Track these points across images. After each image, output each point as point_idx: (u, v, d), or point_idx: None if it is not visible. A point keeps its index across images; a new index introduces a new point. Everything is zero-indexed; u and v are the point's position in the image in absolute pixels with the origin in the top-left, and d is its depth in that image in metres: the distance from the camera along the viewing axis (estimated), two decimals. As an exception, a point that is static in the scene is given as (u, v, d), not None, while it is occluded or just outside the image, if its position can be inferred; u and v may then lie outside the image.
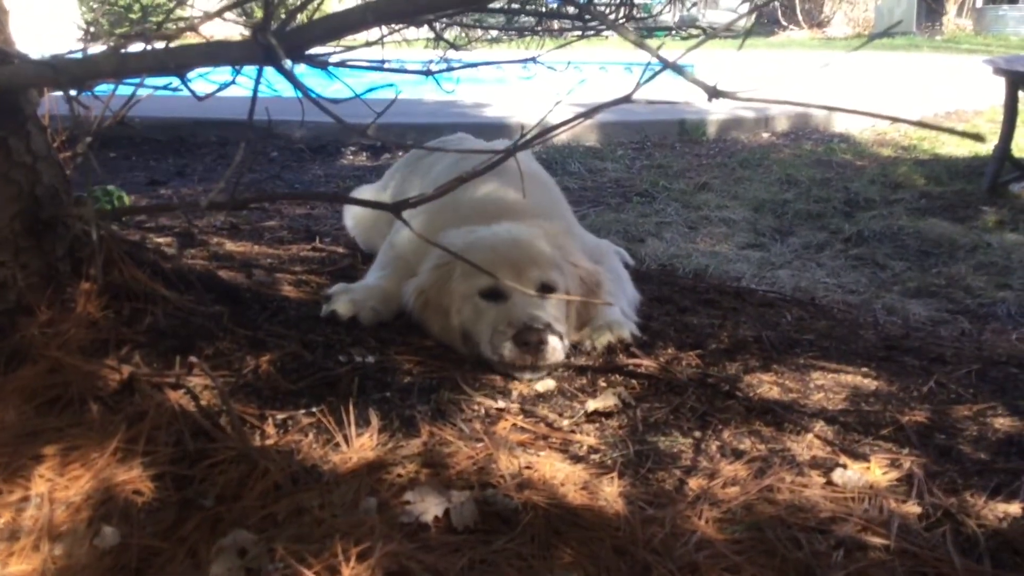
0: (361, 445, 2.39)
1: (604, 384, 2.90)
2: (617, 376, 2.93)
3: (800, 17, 27.50)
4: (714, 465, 2.44)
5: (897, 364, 3.20)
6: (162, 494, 2.20)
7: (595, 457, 2.45)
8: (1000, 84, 7.95)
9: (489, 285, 3.02)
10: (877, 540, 2.11)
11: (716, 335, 3.35)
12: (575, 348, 3.09)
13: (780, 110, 10.26)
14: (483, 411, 2.67)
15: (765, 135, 9.98)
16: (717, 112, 10.05)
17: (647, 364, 2.98)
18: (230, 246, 4.28)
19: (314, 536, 2.05)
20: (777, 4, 28.36)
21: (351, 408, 2.54)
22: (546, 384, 2.88)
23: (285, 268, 3.89)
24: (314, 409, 2.56)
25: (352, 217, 4.35)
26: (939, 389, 2.95)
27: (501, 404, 2.72)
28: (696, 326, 3.47)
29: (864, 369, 3.09)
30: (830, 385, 2.95)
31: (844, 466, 2.42)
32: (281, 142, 9.94)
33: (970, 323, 4.91)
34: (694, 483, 2.33)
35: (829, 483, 2.36)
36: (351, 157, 9.22)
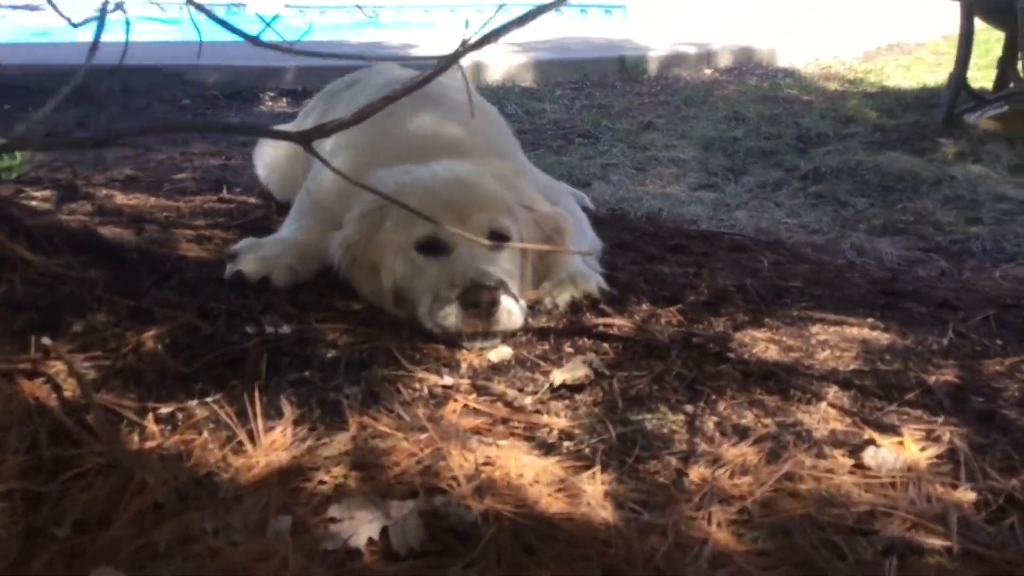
0: (271, 444, 1.87)
1: (571, 350, 2.41)
2: (586, 339, 2.44)
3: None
4: (715, 448, 1.97)
5: (902, 312, 2.77)
6: (5, 520, 1.66)
7: (569, 445, 1.96)
8: (949, 13, 7.61)
9: (427, 235, 2.51)
10: (934, 541, 1.66)
11: (693, 286, 2.88)
12: (533, 308, 2.58)
13: (722, 44, 9.80)
14: (426, 390, 2.16)
15: (708, 71, 9.52)
16: (658, 48, 9.57)
17: (620, 323, 2.49)
18: (121, 199, 3.67)
19: (207, 572, 1.53)
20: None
21: (258, 394, 2.01)
22: (501, 352, 2.37)
23: (185, 222, 3.31)
24: (210, 398, 2.02)
25: (264, 163, 3.76)
26: (959, 341, 2.52)
27: (448, 380, 2.21)
28: (668, 276, 2.99)
29: (869, 320, 2.65)
30: (835, 340, 2.50)
31: (873, 442, 1.97)
32: (193, 88, 9.19)
33: (946, 261, 4.55)
34: (695, 473, 1.86)
35: (859, 465, 1.91)
36: (270, 103, 8.53)
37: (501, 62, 8.68)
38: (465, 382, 2.22)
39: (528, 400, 2.16)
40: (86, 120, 8.03)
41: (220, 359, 2.19)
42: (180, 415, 1.96)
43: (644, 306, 2.64)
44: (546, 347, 2.43)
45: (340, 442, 1.87)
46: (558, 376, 2.23)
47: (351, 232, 2.63)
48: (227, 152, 6.27)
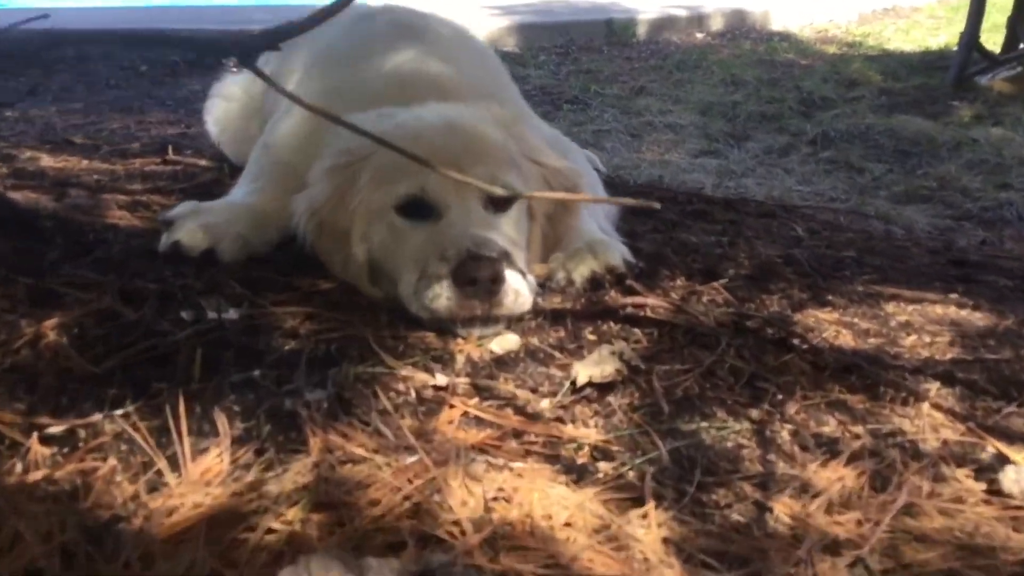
0: (202, 475, 1.36)
1: (593, 337, 1.91)
2: (612, 324, 1.95)
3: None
4: (799, 469, 1.48)
5: (987, 286, 2.30)
6: None
7: (607, 468, 1.47)
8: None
9: (411, 193, 2.01)
10: None
11: (730, 257, 2.39)
12: (543, 286, 2.08)
13: (715, 7, 9.30)
14: (413, 394, 1.66)
15: (699, 35, 9.02)
16: (647, 11, 9.04)
17: (654, 303, 1.99)
18: (47, 161, 3.13)
19: None
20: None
21: (187, 404, 1.50)
22: (506, 342, 1.88)
23: (118, 186, 2.78)
24: (122, 410, 1.50)
25: (215, 118, 3.22)
26: (1069, 321, 2.05)
27: (441, 379, 1.71)
28: (698, 245, 2.50)
29: (952, 296, 2.18)
30: (919, 322, 2.03)
31: (1005, 458, 1.50)
32: (151, 54, 8.59)
33: (983, 229, 4.12)
34: (781, 507, 1.38)
35: (993, 491, 1.43)
36: (234, 71, 7.93)
37: (482, 25, 8.13)
38: (463, 381, 1.72)
39: (545, 404, 1.66)
40: (37, 88, 7.46)
41: (143, 355, 1.67)
42: (81, 433, 1.45)
43: (679, 281, 2.14)
44: (562, 334, 1.93)
45: (297, 471, 1.36)
46: (581, 371, 1.74)
47: (317, 192, 2.11)
48: (186, 120, 5.71)
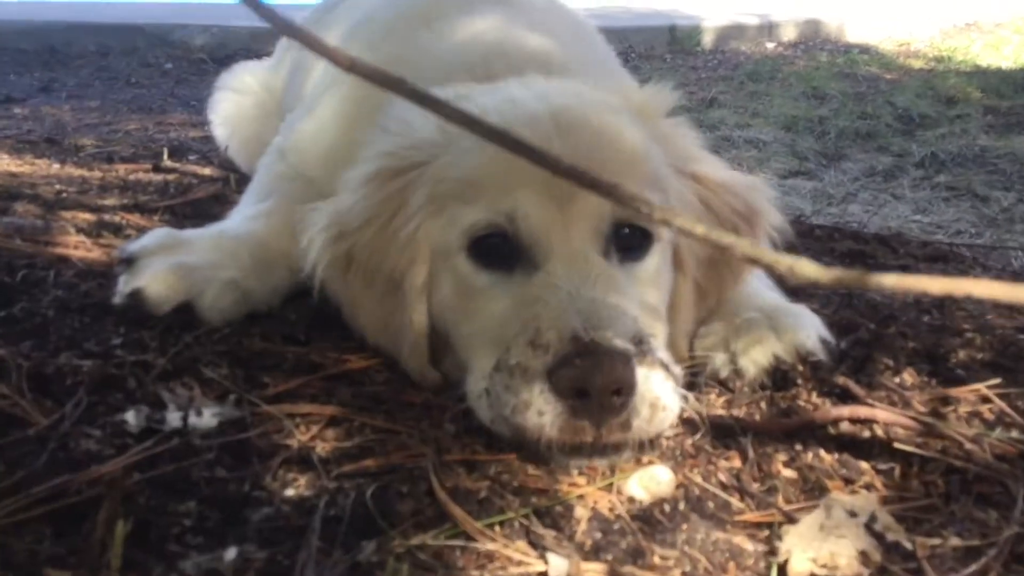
0: None
1: (791, 474, 1.16)
2: (820, 451, 1.19)
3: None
4: None
5: None
6: None
7: None
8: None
9: (490, 222, 1.30)
10: None
11: (951, 329, 1.62)
12: (695, 376, 1.32)
13: (786, 16, 8.55)
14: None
15: (770, 45, 8.26)
16: (712, 18, 8.30)
17: (888, 419, 1.23)
18: (6, 164, 2.42)
19: None
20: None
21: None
22: (653, 481, 1.13)
23: (85, 201, 2.06)
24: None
25: (223, 117, 2.51)
26: None
27: (558, 567, 0.96)
28: (892, 309, 1.74)
29: None
30: None
31: None
32: (178, 51, 8.01)
33: None
34: None
35: None
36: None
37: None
38: (596, 569, 0.97)
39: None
40: (52, 84, 6.87)
41: (37, 517, 0.94)
42: None
43: (907, 377, 1.38)
44: (738, 464, 1.18)
45: None
46: (797, 552, 0.99)
47: (348, 207, 1.39)
48: (209, 123, 5.05)
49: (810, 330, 1.37)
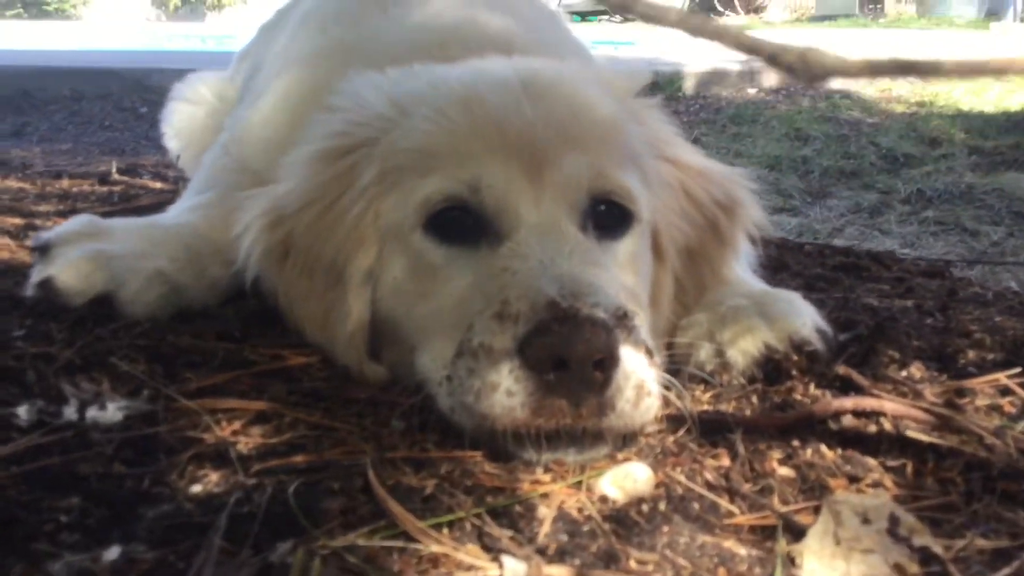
0: None
1: (789, 472, 1.00)
2: (822, 448, 1.03)
3: (736, 3, 26.26)
4: None
5: None
6: None
7: None
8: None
9: (452, 193, 1.15)
10: None
11: (957, 330, 1.47)
12: (675, 372, 1.16)
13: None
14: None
15: (751, 91, 8.23)
16: (694, 64, 8.29)
17: (896, 410, 1.07)
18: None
19: None
20: (712, -10, 27.54)
21: None
22: (628, 479, 0.97)
23: (17, 206, 1.91)
24: None
25: (176, 128, 2.37)
26: None
27: (514, 570, 0.79)
28: (892, 311, 1.59)
29: None
30: None
31: None
32: (153, 95, 7.91)
33: None
34: None
35: None
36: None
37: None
38: (561, 572, 0.81)
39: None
40: (24, 128, 6.77)
41: None
42: None
43: (915, 370, 1.23)
44: (726, 463, 1.03)
45: None
46: (809, 561, 0.83)
47: (287, 190, 1.24)
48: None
49: (805, 317, 1.22)
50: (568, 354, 0.96)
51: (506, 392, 0.96)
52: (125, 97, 7.59)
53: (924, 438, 1.00)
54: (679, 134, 1.39)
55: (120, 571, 0.73)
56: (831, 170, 5.52)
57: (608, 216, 1.17)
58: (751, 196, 1.37)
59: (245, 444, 0.98)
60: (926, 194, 4.95)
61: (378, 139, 1.19)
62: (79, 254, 1.27)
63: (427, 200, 1.13)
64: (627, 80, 1.36)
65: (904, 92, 8.62)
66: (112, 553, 0.75)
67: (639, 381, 1.00)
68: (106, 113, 7.32)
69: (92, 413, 0.98)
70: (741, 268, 1.41)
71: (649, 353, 1.04)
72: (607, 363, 0.97)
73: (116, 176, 2.35)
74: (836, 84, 8.72)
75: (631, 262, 1.19)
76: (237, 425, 1.02)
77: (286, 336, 1.28)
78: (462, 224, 1.13)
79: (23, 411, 0.99)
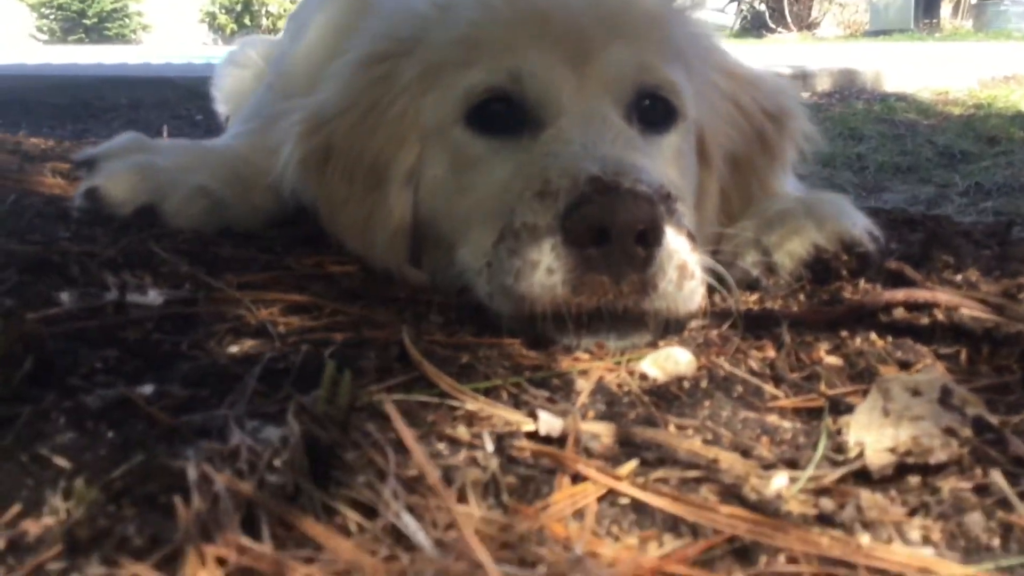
0: None
1: (837, 361, 0.97)
2: (873, 336, 1.00)
3: (789, 19, 26.08)
4: None
5: None
6: None
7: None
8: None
9: (494, 84, 1.13)
10: None
11: (1016, 256, 1.42)
12: (720, 280, 1.10)
13: (821, 66, 8.46)
14: (490, 447, 0.73)
15: (805, 94, 8.12)
16: (746, 67, 8.21)
17: (951, 301, 1.04)
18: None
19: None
20: (764, 7, 27.40)
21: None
22: (669, 360, 0.94)
23: (66, 156, 1.94)
24: None
25: (226, 92, 2.42)
26: None
27: (549, 423, 0.78)
28: (949, 237, 1.55)
29: None
30: None
31: None
32: (208, 103, 8.05)
33: None
34: None
35: None
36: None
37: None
38: (595, 429, 0.79)
39: (782, 485, 0.72)
40: (83, 135, 6.92)
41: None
42: None
43: (971, 274, 1.18)
44: (771, 354, 1.00)
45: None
46: (868, 442, 0.80)
47: (327, 96, 1.25)
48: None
49: (855, 218, 1.19)
50: (610, 222, 0.94)
51: (546, 270, 0.95)
52: (181, 105, 7.73)
53: (981, 321, 0.97)
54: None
55: (152, 403, 0.72)
56: (887, 165, 5.42)
57: (653, 110, 1.16)
58: (801, 107, 1.33)
59: (285, 325, 0.98)
60: (984, 186, 4.84)
61: (419, 38, 1.19)
62: (125, 165, 1.28)
63: (469, 92, 1.13)
64: None
65: (961, 95, 8.47)
66: (146, 389, 0.74)
67: (682, 262, 0.98)
68: (163, 120, 7.44)
69: (133, 297, 0.98)
70: (789, 182, 1.38)
71: (692, 239, 1.01)
72: (649, 237, 0.95)
73: (167, 136, 2.38)
74: (890, 88, 8.62)
75: (676, 158, 1.17)
76: (276, 310, 1.01)
77: (328, 252, 1.28)
78: (504, 116, 1.12)
79: (65, 297, 0.99)
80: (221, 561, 0.53)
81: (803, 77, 8.22)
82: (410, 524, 0.59)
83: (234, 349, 0.87)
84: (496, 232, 1.02)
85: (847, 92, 8.26)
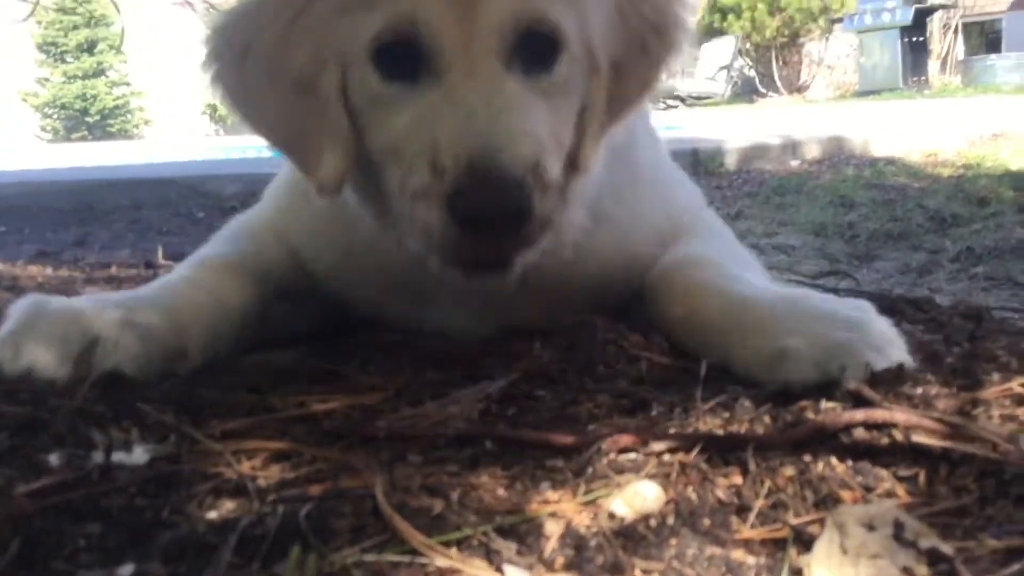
0: None
1: (795, 485, 1.00)
2: (832, 460, 1.03)
3: (779, 83, 26.52)
4: None
5: None
6: None
7: None
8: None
9: (389, 28, 1.28)
10: None
11: (985, 355, 1.46)
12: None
13: (809, 135, 8.59)
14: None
15: (794, 163, 8.26)
16: (735, 140, 8.36)
17: (908, 421, 1.07)
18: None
19: None
20: (754, 73, 27.89)
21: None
22: (637, 497, 0.98)
23: (64, 291, 2.00)
24: None
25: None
26: None
27: (513, 574, 0.81)
28: (918, 339, 1.59)
29: None
30: None
31: None
32: (209, 201, 8.21)
33: None
34: None
35: None
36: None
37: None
38: (561, 581, 0.82)
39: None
40: (86, 238, 7.02)
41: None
42: None
43: (933, 389, 1.22)
44: (738, 480, 1.03)
45: None
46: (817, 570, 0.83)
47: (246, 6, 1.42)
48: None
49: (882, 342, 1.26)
50: (484, 213, 1.19)
51: (436, 232, 1.22)
52: (182, 203, 7.86)
53: (936, 444, 1.00)
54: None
55: (132, 584, 0.76)
56: (878, 233, 5.50)
57: (537, 47, 1.29)
58: (686, 19, 1.45)
59: (265, 478, 1.01)
60: (975, 251, 4.90)
61: None
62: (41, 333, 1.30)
63: (376, 35, 1.26)
64: None
65: (950, 156, 8.59)
66: (126, 570, 0.78)
67: (547, 216, 1.25)
68: (164, 220, 7.57)
69: (119, 456, 1.02)
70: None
71: (560, 191, 1.28)
72: (520, 216, 1.20)
73: (162, 261, 2.45)
74: (879, 152, 8.74)
75: (560, 89, 1.32)
76: (258, 462, 1.05)
77: (314, 389, 1.33)
78: (406, 59, 1.26)
79: (55, 458, 1.03)
80: None
81: (792, 146, 8.36)
82: None
83: (213, 515, 0.90)
84: (404, 166, 1.25)
85: (836, 159, 8.39)
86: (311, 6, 1.31)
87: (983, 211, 5.98)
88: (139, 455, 1.04)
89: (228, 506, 0.93)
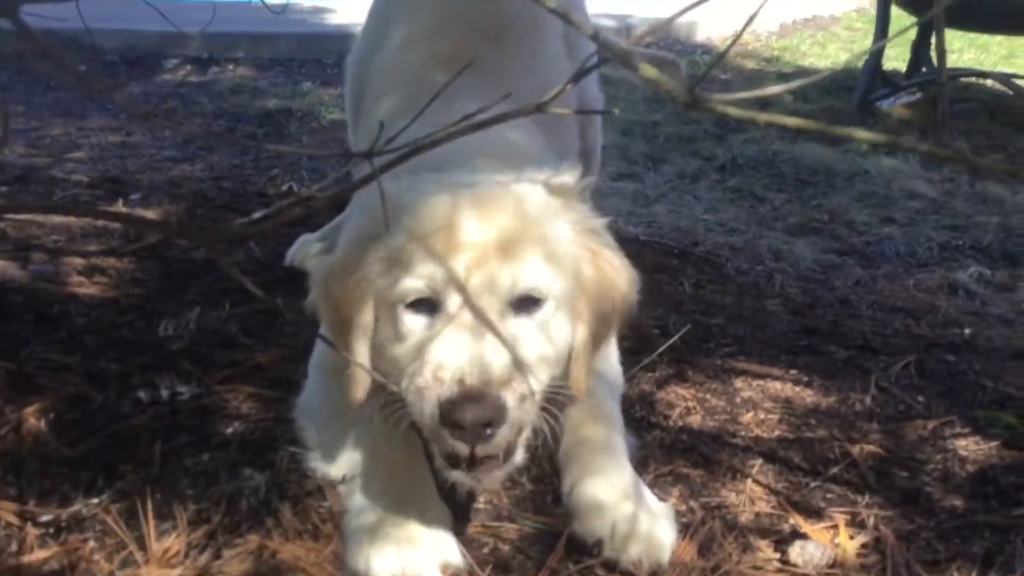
0: (164, 554, 1.72)
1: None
2: None
3: None
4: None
5: (824, 358, 2.73)
6: None
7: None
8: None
9: (415, 289, 1.72)
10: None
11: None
12: None
13: (641, 18, 9.63)
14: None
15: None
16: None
17: None
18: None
19: None
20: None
21: (150, 491, 1.85)
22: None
23: (76, 248, 3.06)
24: (96, 499, 1.85)
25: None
26: (882, 397, 2.49)
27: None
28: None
29: (792, 372, 2.60)
30: (758, 398, 2.44)
31: (799, 534, 1.92)
32: (90, 53, 8.68)
33: (861, 267, 4.54)
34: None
35: (785, 562, 1.85)
36: (173, 72, 8.12)
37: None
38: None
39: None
40: (-33, 91, 7.49)
41: (110, 439, 2.02)
42: (64, 519, 1.79)
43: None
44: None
45: (240, 557, 1.73)
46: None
47: (335, 260, 1.93)
48: (127, 128, 5.99)
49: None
50: (465, 423, 1.56)
51: (429, 420, 1.61)
52: (63, 54, 8.30)
53: None
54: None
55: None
56: (672, 136, 6.54)
57: (527, 300, 1.73)
58: (633, 302, 1.91)
59: (247, 408, 2.22)
60: (738, 162, 6.08)
61: (381, 233, 1.75)
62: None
63: (404, 294, 1.71)
64: (575, 181, 1.89)
65: (759, 46, 9.81)
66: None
67: (521, 422, 1.65)
68: (50, 72, 8.05)
69: (177, 393, 2.20)
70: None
71: (535, 402, 1.67)
72: (493, 425, 1.58)
73: (122, 208, 3.49)
74: (701, 37, 9.90)
75: (544, 327, 1.74)
76: (241, 399, 2.25)
77: (258, 342, 2.51)
78: (424, 306, 1.72)
79: (143, 394, 2.20)
80: None
81: (626, 31, 9.36)
82: (314, 516, 1.87)
83: (234, 427, 2.12)
84: (410, 375, 1.66)
85: (663, 44, 9.47)
86: (359, 267, 1.78)
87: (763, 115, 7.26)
88: (184, 393, 2.22)
89: (235, 426, 2.13)
